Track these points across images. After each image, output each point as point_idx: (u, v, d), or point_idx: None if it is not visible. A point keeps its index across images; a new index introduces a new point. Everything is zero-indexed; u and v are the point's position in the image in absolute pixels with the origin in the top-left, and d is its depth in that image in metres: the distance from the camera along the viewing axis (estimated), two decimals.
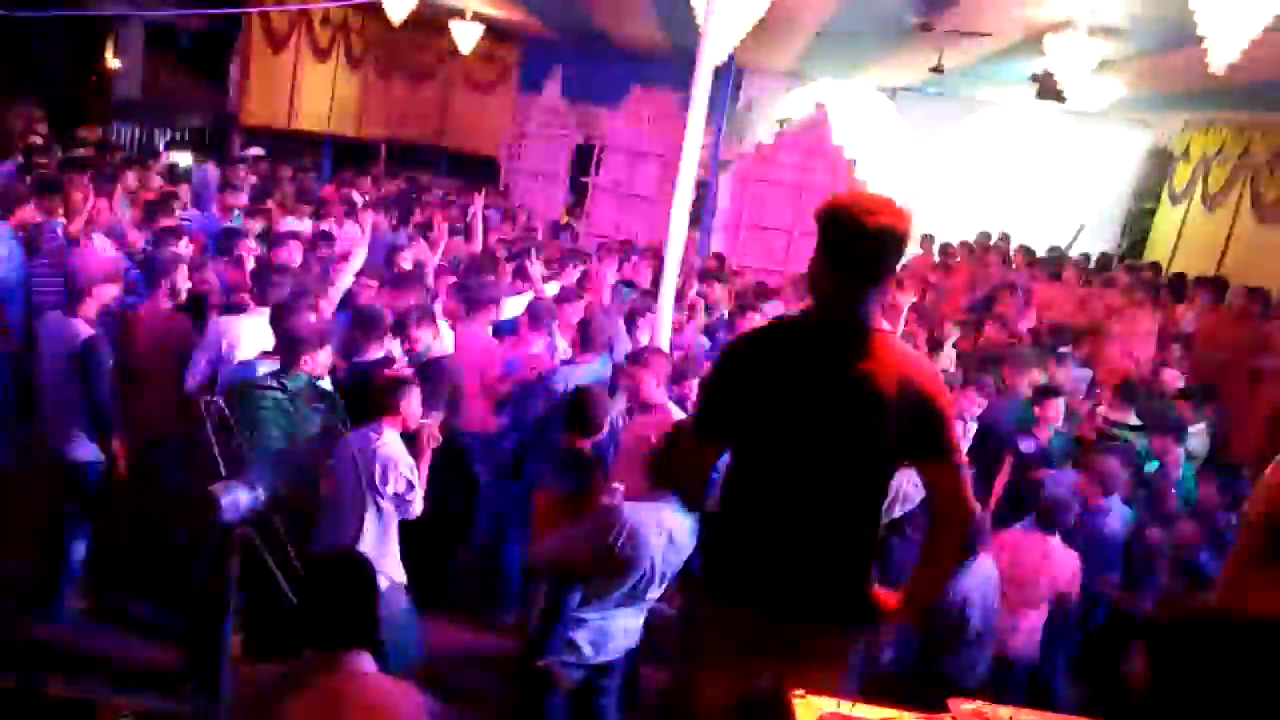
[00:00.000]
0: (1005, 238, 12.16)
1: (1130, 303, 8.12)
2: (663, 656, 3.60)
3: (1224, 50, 5.22)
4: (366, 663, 2.31)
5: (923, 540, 2.51)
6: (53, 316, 4.50)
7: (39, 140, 8.85)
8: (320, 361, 4.14)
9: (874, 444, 2.33)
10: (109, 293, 4.48)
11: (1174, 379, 6.79)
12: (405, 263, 6.56)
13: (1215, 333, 8.13)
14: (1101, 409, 6.14)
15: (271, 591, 3.50)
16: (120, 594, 4.48)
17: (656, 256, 7.01)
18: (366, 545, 3.65)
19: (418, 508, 3.76)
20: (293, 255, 6.00)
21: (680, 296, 6.77)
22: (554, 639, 3.25)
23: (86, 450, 4.37)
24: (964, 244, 11.83)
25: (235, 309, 5.02)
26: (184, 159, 10.49)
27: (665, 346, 5.59)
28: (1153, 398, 6.39)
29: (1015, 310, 8.20)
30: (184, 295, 5.03)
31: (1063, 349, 7.17)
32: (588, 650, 3.28)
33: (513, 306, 5.98)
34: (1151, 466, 5.49)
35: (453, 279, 6.28)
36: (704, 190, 11.49)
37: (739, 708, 2.45)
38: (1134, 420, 5.90)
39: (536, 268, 6.59)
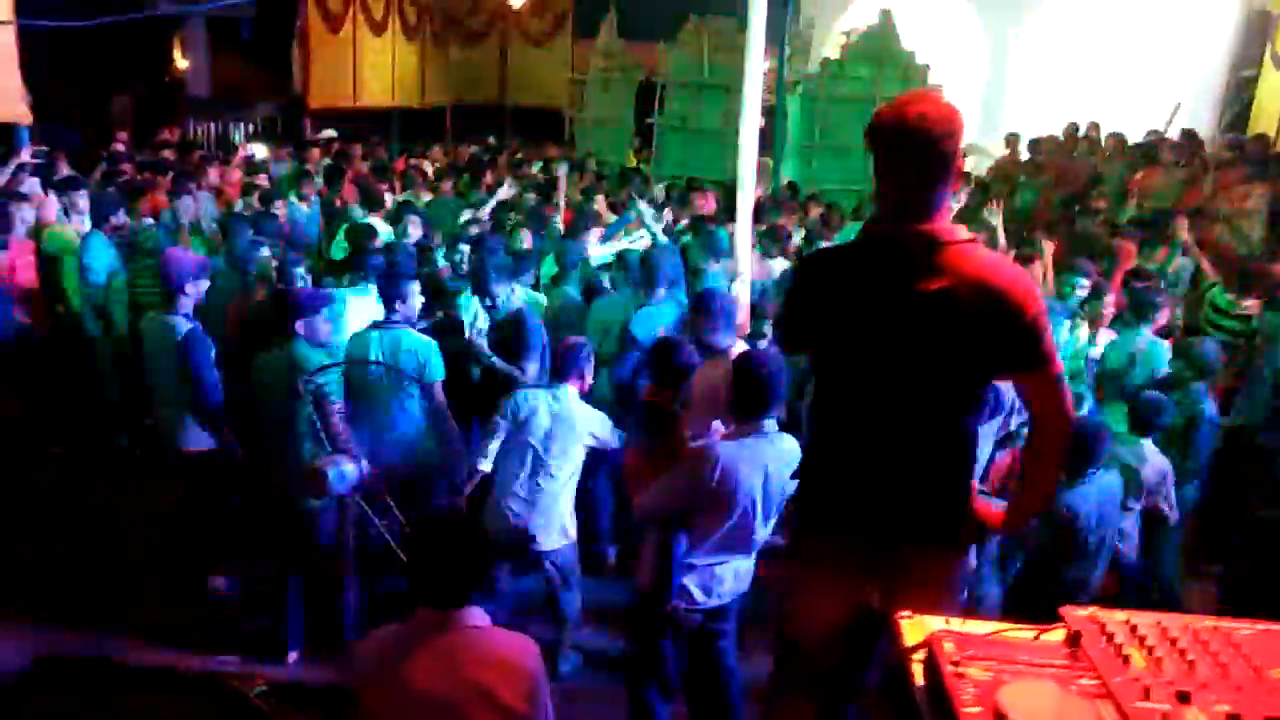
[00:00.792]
0: (1095, 127, 11.52)
1: (1235, 179, 7.61)
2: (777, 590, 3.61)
3: None
4: (479, 617, 2.37)
5: (1024, 451, 2.43)
6: (151, 316, 4.70)
7: (121, 147, 9.17)
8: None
9: (958, 359, 2.24)
10: (201, 287, 4.65)
11: None
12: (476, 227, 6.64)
13: None
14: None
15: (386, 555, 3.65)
16: (245, 572, 4.72)
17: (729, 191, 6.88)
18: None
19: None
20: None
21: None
22: (669, 587, 3.28)
23: (199, 439, 4.57)
24: (1051, 138, 11.26)
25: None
26: (260, 150, 10.73)
27: (746, 284, 5.51)
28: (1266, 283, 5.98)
29: (1110, 203, 7.81)
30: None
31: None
32: (700, 595, 3.30)
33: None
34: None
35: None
36: (773, 116, 11.23)
37: (848, 633, 2.44)
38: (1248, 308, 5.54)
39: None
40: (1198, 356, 4.58)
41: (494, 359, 4.59)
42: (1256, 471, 4.81)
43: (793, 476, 2.57)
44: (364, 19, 12.99)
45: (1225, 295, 5.72)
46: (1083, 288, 5.31)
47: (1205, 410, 4.49)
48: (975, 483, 2.46)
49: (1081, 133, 11.36)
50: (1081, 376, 5.08)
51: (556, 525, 4.06)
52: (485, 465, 4.04)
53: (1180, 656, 1.43)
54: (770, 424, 3.21)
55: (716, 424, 3.56)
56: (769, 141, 10.89)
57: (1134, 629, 1.51)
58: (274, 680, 2.14)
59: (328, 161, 9.58)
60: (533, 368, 4.59)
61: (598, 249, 6.38)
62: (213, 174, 8.26)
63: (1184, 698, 1.33)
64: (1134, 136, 11.08)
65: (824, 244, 6.23)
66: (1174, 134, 11.30)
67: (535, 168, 11.18)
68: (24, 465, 5.68)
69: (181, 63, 14.39)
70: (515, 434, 4.01)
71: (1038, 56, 13.60)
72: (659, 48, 12.05)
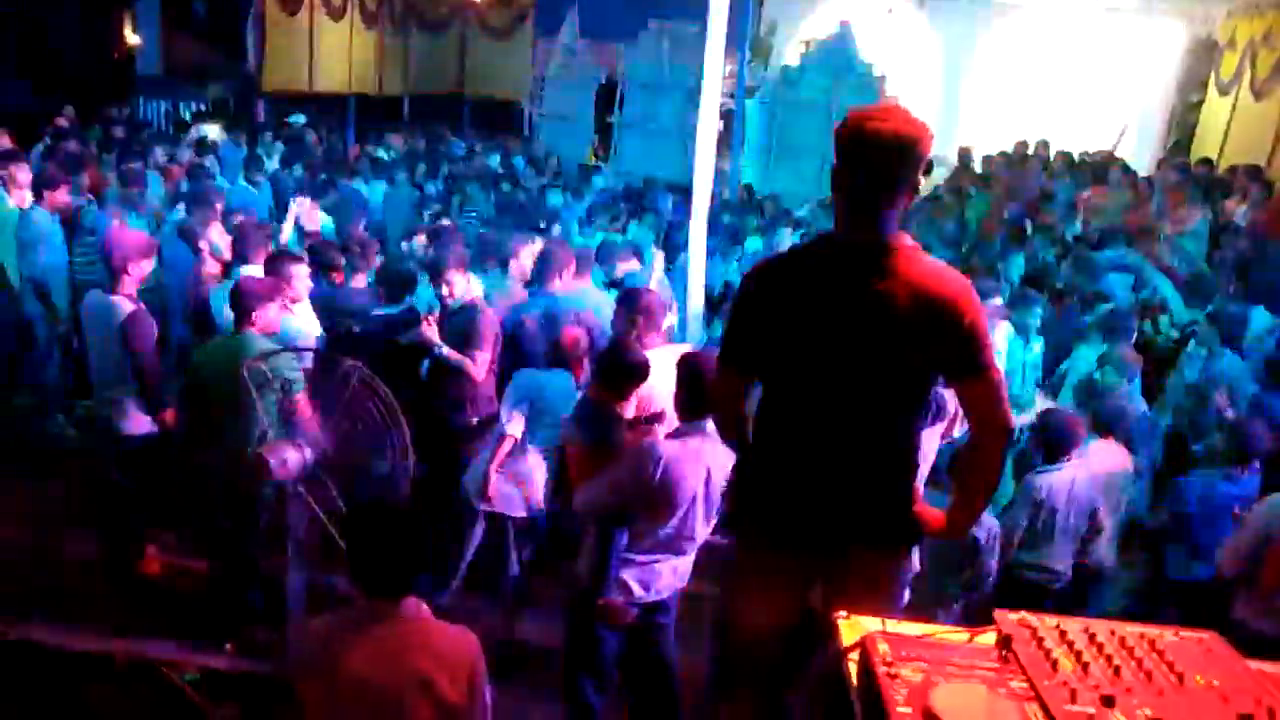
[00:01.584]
0: (1044, 145, 11.78)
1: (1179, 201, 7.84)
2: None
3: None
4: (419, 607, 2.35)
5: (963, 457, 2.48)
6: (94, 295, 4.57)
7: (64, 122, 8.92)
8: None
9: (900, 363, 2.28)
10: (145, 268, 4.54)
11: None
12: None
13: (1271, 226, 7.83)
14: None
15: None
16: (180, 557, 4.63)
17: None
18: None
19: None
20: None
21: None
22: (605, 580, 3.29)
23: (139, 423, 4.47)
24: (1002, 154, 11.49)
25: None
26: (212, 131, 10.51)
27: (700, 283, 5.54)
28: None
29: (1057, 219, 7.98)
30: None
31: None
32: (637, 589, 3.31)
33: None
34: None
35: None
36: (731, 120, 11.31)
37: (788, 634, 2.47)
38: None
39: None
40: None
41: (442, 349, 4.56)
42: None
43: (731, 477, 2.59)
44: (321, 4, 12.80)
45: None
46: (1037, 316, 5.50)
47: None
48: (918, 486, 2.50)
49: (1031, 151, 11.61)
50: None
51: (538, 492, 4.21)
52: (515, 430, 4.17)
53: (1107, 662, 1.47)
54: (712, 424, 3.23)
55: (656, 420, 3.61)
56: (726, 143, 10.99)
57: (1063, 634, 1.55)
58: (208, 669, 2.10)
59: (282, 146, 9.44)
60: (483, 358, 4.56)
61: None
62: (159, 153, 8.06)
63: (1109, 701, 1.37)
64: (1085, 156, 11.37)
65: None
66: (1122, 153, 11.62)
67: (493, 160, 11.13)
68: None
69: (132, 38, 14.05)
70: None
71: (991, 74, 13.86)
72: (619, 48, 12.07)
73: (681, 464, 3.12)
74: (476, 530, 4.41)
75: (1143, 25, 12.81)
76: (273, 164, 8.72)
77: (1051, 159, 11.15)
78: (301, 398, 3.86)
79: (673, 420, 3.38)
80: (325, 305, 4.94)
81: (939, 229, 8.46)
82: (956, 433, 3.55)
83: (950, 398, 3.44)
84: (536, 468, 4.25)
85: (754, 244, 7.69)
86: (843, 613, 1.67)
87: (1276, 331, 5.70)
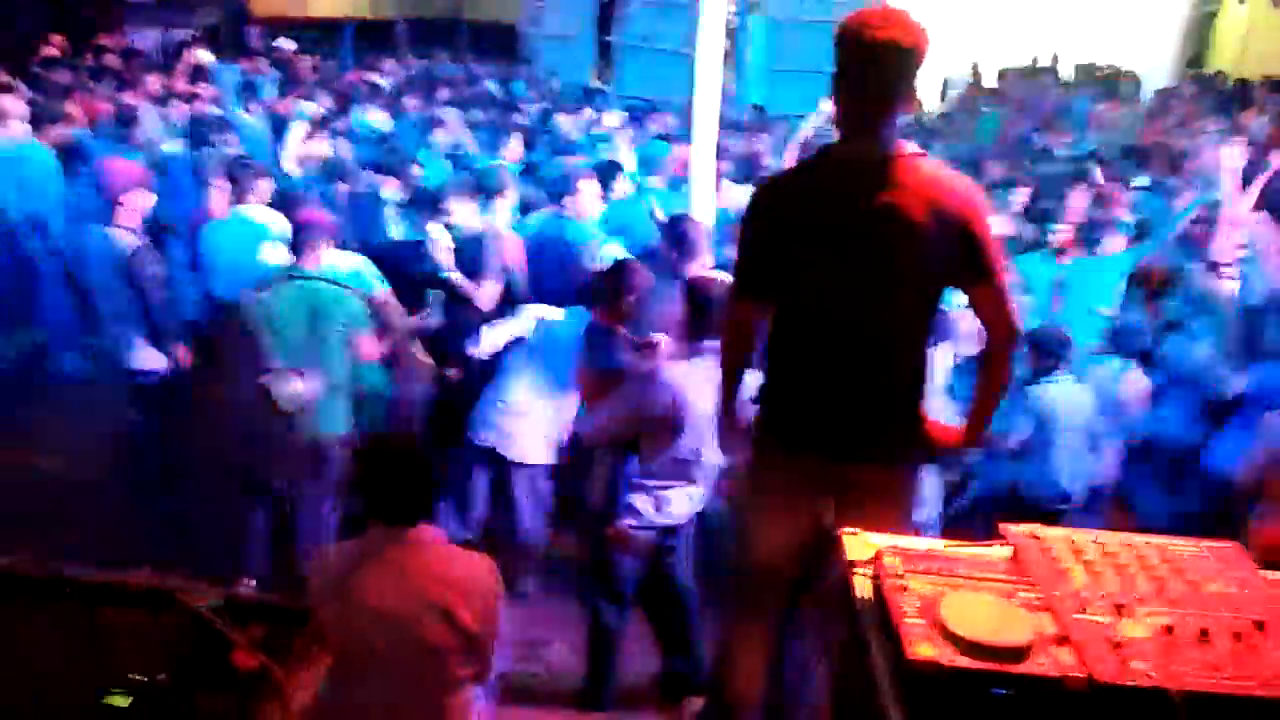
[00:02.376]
0: (1056, 59, 11.51)
1: (1193, 114, 7.67)
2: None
3: None
4: (433, 533, 2.38)
5: (976, 364, 2.49)
6: (94, 230, 4.53)
7: (55, 52, 8.73)
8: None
9: (910, 272, 2.27)
10: (144, 200, 4.48)
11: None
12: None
13: None
14: None
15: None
16: (195, 490, 4.67)
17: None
18: None
19: None
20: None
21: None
22: (617, 505, 3.31)
23: (150, 359, 4.46)
24: (1016, 68, 11.24)
25: None
26: (205, 57, 10.28)
27: (708, 206, 5.45)
28: None
29: (1071, 137, 7.82)
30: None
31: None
32: (650, 513, 3.34)
33: None
34: None
35: None
36: (734, 37, 11.02)
37: (802, 551, 2.49)
38: None
39: None
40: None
41: (450, 273, 4.50)
42: None
43: (753, 401, 2.59)
44: None
45: None
46: (1054, 232, 5.33)
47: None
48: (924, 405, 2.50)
49: (1045, 64, 11.35)
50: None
51: (541, 439, 4.07)
52: (480, 351, 4.08)
53: (1118, 571, 1.48)
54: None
55: (657, 342, 3.59)
56: (730, 63, 10.74)
57: (1073, 544, 1.55)
58: (229, 596, 2.16)
59: (275, 73, 9.25)
60: (489, 287, 4.51)
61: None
62: (153, 82, 7.91)
63: (1121, 609, 1.37)
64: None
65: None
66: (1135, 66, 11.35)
67: (492, 85, 10.90)
68: None
69: None
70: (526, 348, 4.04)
71: None
72: None
73: (688, 386, 3.12)
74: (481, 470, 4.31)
75: None
76: (269, 91, 8.54)
77: (1062, 73, 10.89)
78: (367, 338, 3.84)
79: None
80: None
81: (951, 149, 8.29)
82: (963, 350, 3.55)
83: (957, 318, 3.44)
84: (543, 409, 4.09)
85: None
86: (851, 529, 1.68)
87: None
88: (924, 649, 1.31)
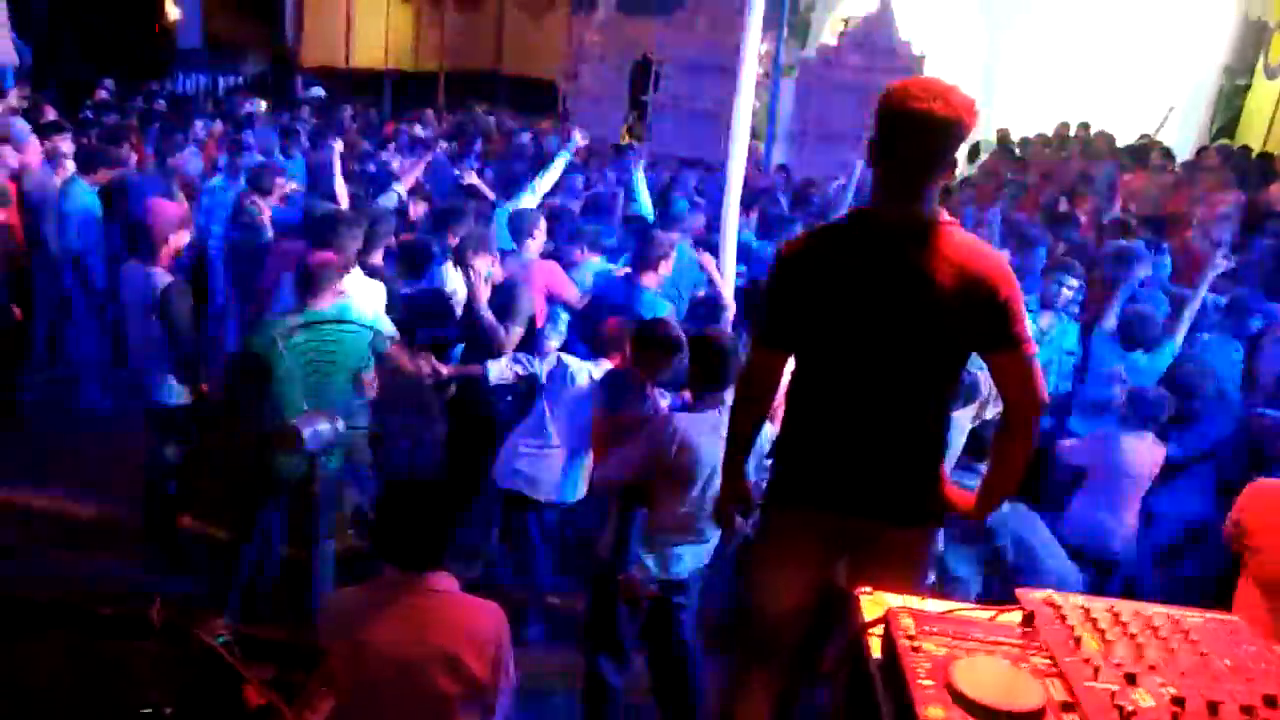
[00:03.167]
0: (1085, 127, 11.58)
1: (1215, 186, 7.67)
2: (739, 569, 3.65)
3: None
4: (446, 581, 2.38)
5: (996, 433, 2.47)
6: (131, 267, 4.65)
7: (105, 95, 9.03)
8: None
9: (935, 338, 2.28)
10: (181, 240, 4.61)
11: None
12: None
13: None
14: None
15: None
16: (214, 528, 4.70)
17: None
18: None
19: None
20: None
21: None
22: (626, 556, 3.31)
23: (175, 393, 4.54)
24: (1040, 137, 11.31)
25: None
26: (249, 105, 10.60)
27: (731, 266, 5.51)
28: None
29: (1096, 204, 7.82)
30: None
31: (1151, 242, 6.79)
32: (656, 568, 3.33)
33: None
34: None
35: None
36: (766, 100, 11.22)
37: (812, 610, 2.47)
38: None
39: None
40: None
41: (486, 314, 4.55)
42: None
43: (768, 456, 2.60)
44: None
45: None
46: (1070, 287, 5.29)
47: None
48: (945, 467, 2.50)
49: (1072, 133, 11.41)
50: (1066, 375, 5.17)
51: (554, 484, 4.11)
52: (493, 371, 4.15)
53: (1131, 640, 1.46)
54: (730, 397, 3.24)
55: (664, 395, 3.62)
56: (762, 124, 10.92)
57: (1088, 612, 1.54)
58: (242, 632, 2.17)
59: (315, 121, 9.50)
60: (517, 332, 4.57)
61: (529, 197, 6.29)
62: (198, 127, 8.16)
63: (1131, 679, 1.36)
64: (1126, 138, 11.15)
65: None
66: (1166, 137, 11.39)
67: (525, 138, 11.13)
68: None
69: (173, 12, 14.18)
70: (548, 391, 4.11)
71: (1033, 54, 13.63)
72: (655, 26, 12.00)
73: (699, 436, 3.13)
74: (497, 508, 4.39)
75: (1190, 4, 12.52)
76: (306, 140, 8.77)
77: (1092, 141, 10.95)
78: (370, 376, 3.90)
79: None
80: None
81: (974, 214, 8.33)
82: (989, 414, 3.53)
83: (983, 379, 3.44)
84: (559, 456, 4.14)
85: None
86: (866, 589, 1.67)
87: None
88: (935, 711, 1.30)
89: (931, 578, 2.64)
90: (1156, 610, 1.56)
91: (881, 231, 2.29)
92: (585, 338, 4.62)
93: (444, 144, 8.89)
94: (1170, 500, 4.48)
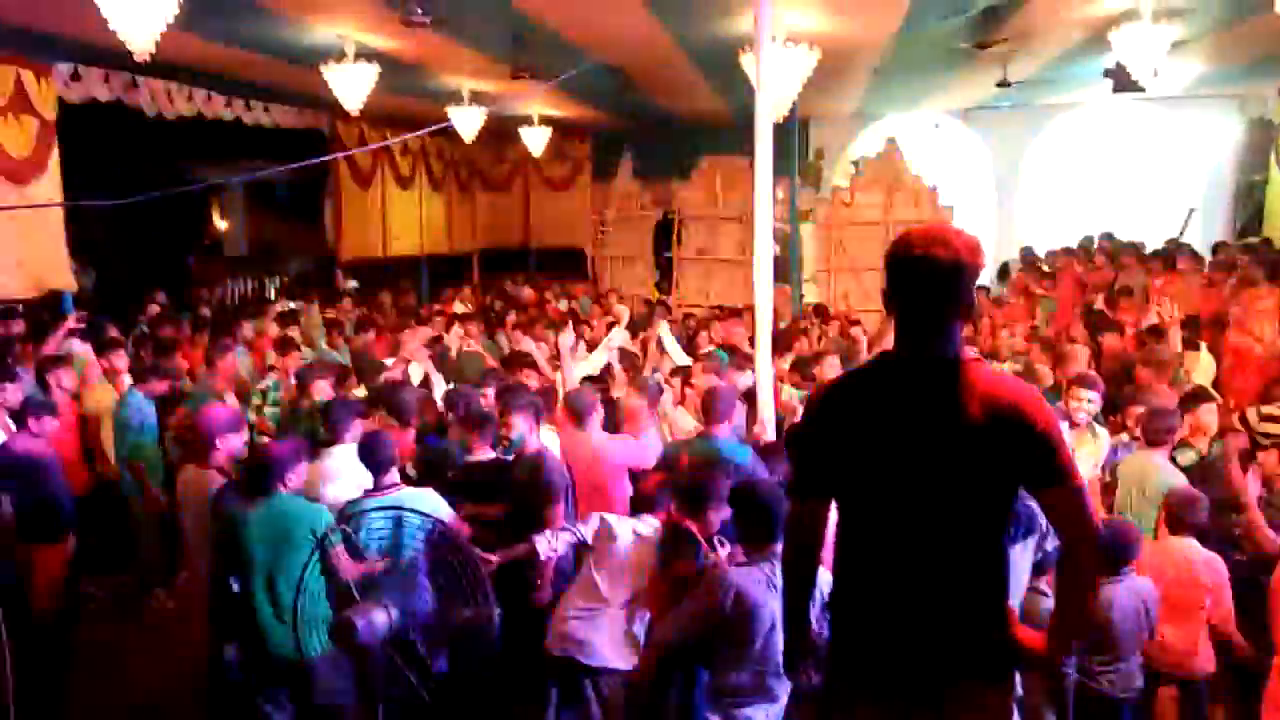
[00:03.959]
0: (1108, 237, 11.69)
1: (1250, 282, 7.63)
2: None
3: None
4: None
5: (1057, 571, 2.38)
6: (189, 471, 4.79)
7: (156, 309, 9.50)
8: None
9: (973, 476, 2.22)
10: (235, 442, 4.75)
11: None
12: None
13: None
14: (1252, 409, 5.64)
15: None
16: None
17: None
18: None
19: None
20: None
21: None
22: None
23: (234, 591, 4.57)
24: (1066, 250, 11.42)
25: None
26: (293, 303, 11.10)
27: (769, 408, 5.54)
28: None
29: (1135, 313, 7.80)
30: None
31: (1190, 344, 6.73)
32: None
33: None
34: None
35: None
36: (788, 244, 11.53)
37: None
38: None
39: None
40: None
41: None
42: None
43: (824, 609, 2.53)
44: (392, 174, 13.61)
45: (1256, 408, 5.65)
46: (1092, 401, 5.20)
47: None
48: (1012, 607, 2.40)
49: (1094, 245, 11.51)
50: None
51: (617, 643, 3.99)
52: (543, 549, 4.08)
53: None
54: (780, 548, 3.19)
55: (723, 548, 3.56)
56: (785, 269, 11.17)
57: None
58: None
59: (358, 312, 9.89)
60: (556, 510, 4.50)
61: (581, 365, 6.39)
62: (246, 329, 8.52)
63: None
64: (1149, 245, 11.22)
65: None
66: (1190, 238, 11.44)
67: (560, 304, 11.49)
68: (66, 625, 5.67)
69: (220, 224, 15.09)
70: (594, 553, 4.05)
71: (1044, 176, 13.95)
72: (674, 185, 12.52)
73: (754, 590, 3.08)
74: (553, 685, 4.24)
75: (1193, 111, 12.83)
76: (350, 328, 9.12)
77: (1119, 250, 11.01)
78: (339, 551, 3.89)
79: None
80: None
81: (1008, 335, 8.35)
82: (1049, 546, 3.43)
83: (1039, 511, 3.35)
84: (613, 620, 4.04)
85: None
86: None
87: None
88: None
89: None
90: None
91: (906, 373, 2.28)
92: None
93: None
94: None
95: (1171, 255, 9.98)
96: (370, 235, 13.22)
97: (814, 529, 2.52)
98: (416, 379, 6.83)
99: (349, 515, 3.90)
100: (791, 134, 10.30)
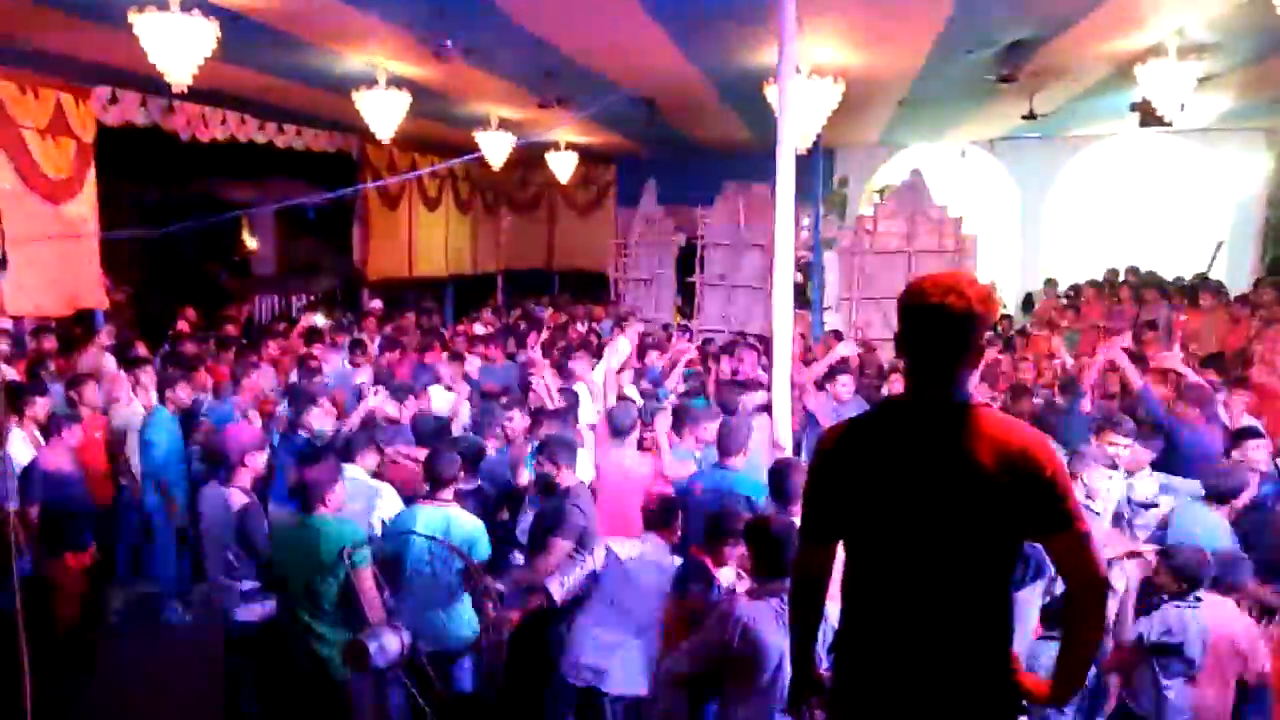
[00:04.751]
0: (1133, 271, 11.63)
1: (1272, 320, 7.56)
2: None
3: None
4: None
5: (1063, 617, 2.38)
6: (211, 488, 4.87)
7: (185, 327, 9.66)
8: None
9: (980, 521, 2.23)
10: (259, 461, 4.83)
11: None
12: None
13: None
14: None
15: None
16: None
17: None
18: None
19: None
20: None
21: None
22: None
23: (251, 610, 4.64)
24: (1091, 283, 11.37)
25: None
26: (319, 320, 11.23)
27: (787, 436, 5.54)
28: None
29: (1159, 348, 7.75)
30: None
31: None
32: None
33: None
34: None
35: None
36: (810, 272, 11.55)
37: None
38: None
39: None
40: None
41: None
42: None
43: (829, 650, 2.54)
44: (419, 196, 13.79)
45: None
46: (1124, 445, 5.16)
47: None
48: (1016, 652, 2.40)
49: (1120, 278, 11.46)
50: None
51: (627, 670, 3.98)
52: (557, 592, 4.08)
53: None
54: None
55: (737, 577, 3.58)
56: (806, 295, 11.19)
57: None
58: None
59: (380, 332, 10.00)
60: (565, 545, 4.45)
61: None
62: (272, 347, 8.64)
63: None
64: (1180, 279, 11.14)
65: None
66: (1217, 272, 11.35)
67: (582, 327, 11.57)
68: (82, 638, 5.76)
69: (251, 243, 15.32)
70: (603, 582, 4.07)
71: (1069, 207, 13.90)
72: (698, 211, 12.60)
73: (762, 623, 3.09)
74: (571, 712, 4.28)
75: (1221, 145, 12.76)
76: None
77: (1143, 284, 10.96)
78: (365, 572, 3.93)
79: None
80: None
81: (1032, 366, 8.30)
82: (1058, 589, 3.42)
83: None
84: (626, 644, 4.03)
85: None
86: None
87: None
88: None
89: None
90: None
91: (916, 417, 2.31)
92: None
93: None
94: None
95: (1195, 289, 9.91)
96: (397, 255, 13.39)
97: (821, 570, 2.54)
98: (443, 402, 6.92)
99: (391, 534, 3.93)
100: (816, 162, 10.36)
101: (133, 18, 5.52)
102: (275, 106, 9.48)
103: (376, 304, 11.76)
